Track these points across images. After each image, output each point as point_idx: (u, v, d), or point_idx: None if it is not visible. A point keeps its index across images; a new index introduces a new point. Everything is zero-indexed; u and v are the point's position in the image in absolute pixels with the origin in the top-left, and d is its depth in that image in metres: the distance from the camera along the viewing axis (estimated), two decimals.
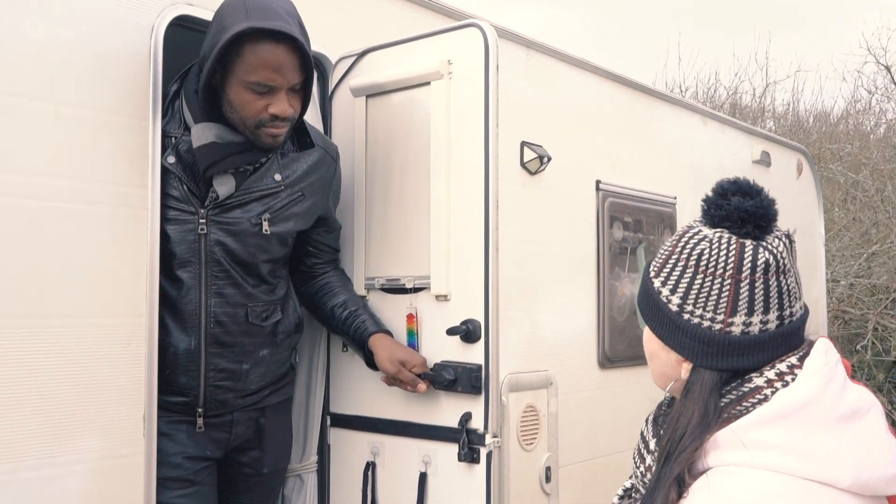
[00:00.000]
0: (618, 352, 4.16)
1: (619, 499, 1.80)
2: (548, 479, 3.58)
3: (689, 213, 4.72)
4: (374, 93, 3.00)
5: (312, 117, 2.98)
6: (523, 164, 3.57)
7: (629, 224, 4.27)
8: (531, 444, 3.52)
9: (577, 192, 3.98)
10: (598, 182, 4.08)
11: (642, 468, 1.66)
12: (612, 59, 4.02)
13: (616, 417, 4.18)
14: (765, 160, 5.57)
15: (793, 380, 1.44)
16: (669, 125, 4.70)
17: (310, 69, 2.61)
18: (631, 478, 1.75)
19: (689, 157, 4.84)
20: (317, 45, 2.83)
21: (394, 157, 2.97)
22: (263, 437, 2.90)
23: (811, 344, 1.50)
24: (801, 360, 1.47)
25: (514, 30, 3.51)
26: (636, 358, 4.30)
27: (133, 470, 2.51)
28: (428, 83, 2.84)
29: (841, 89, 15.47)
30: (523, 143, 3.56)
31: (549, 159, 3.63)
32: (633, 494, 1.74)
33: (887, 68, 9.76)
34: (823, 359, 1.45)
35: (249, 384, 2.80)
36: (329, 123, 3.13)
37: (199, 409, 2.73)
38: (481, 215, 2.71)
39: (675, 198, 4.61)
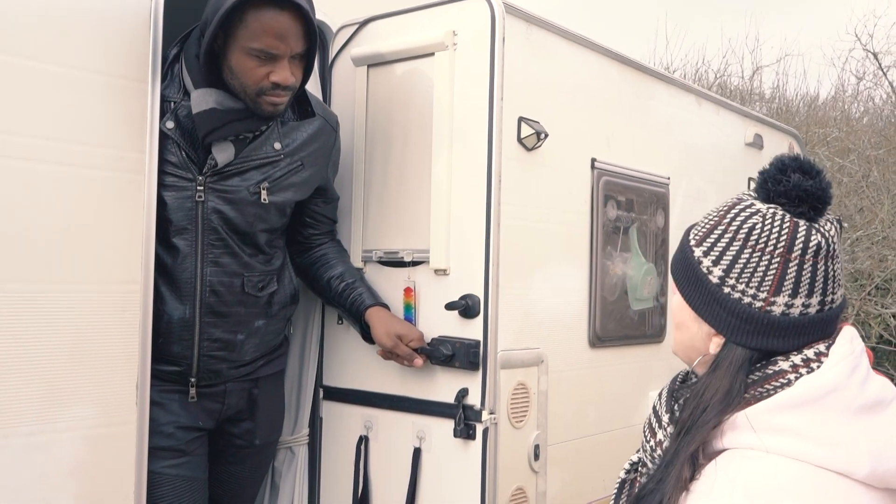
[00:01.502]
0: (608, 331, 4.15)
1: (626, 472, 1.77)
2: (536, 456, 3.57)
3: (682, 193, 4.70)
4: (375, 62, 2.96)
5: (312, 86, 2.93)
6: (520, 140, 3.54)
7: (623, 203, 4.24)
8: (521, 421, 3.50)
9: (573, 169, 3.95)
10: (593, 160, 4.05)
11: (653, 443, 1.63)
12: (602, 37, 3.95)
13: (605, 397, 4.18)
14: (757, 143, 5.56)
15: (818, 367, 1.42)
16: (665, 105, 4.67)
17: (313, 37, 2.56)
18: (639, 451, 1.73)
19: (682, 138, 4.82)
20: (318, 13, 2.79)
21: (394, 128, 2.93)
22: (256, 408, 2.87)
23: (838, 331, 1.48)
24: (828, 348, 1.45)
25: (515, 3, 3.47)
26: (627, 338, 4.29)
27: (125, 438, 2.47)
28: (432, 54, 2.81)
29: (829, 74, 15.50)
30: (521, 119, 3.52)
31: (546, 136, 3.60)
32: (641, 469, 1.72)
33: (874, 54, 9.78)
34: (849, 347, 1.44)
35: (243, 355, 2.77)
36: (329, 92, 3.09)
37: (193, 379, 2.70)
38: (483, 190, 2.69)
39: (669, 178, 4.59)
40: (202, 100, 2.55)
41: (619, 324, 4.25)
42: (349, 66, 3.01)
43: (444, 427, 2.75)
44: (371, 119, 2.98)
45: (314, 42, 2.58)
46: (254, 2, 2.43)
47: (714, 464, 1.41)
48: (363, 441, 2.97)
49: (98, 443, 2.42)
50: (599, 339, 4.08)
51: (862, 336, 8.18)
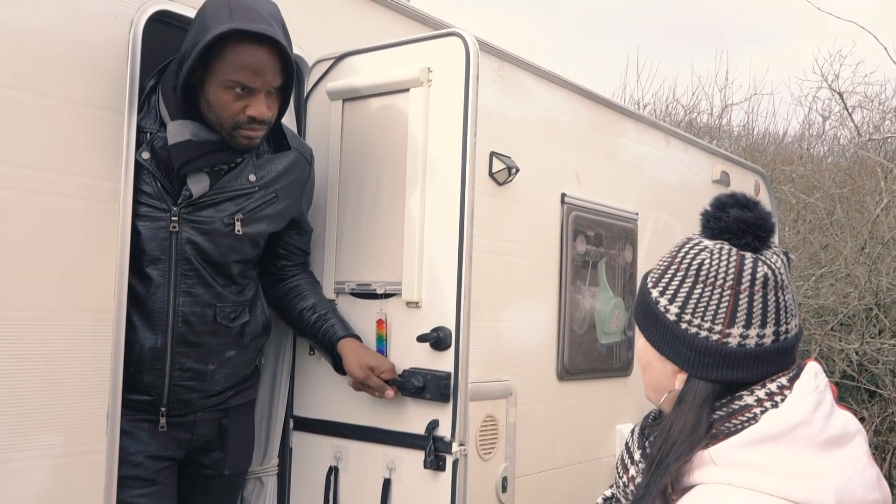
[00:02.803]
0: (577, 364, 4.20)
1: None
2: (504, 488, 3.61)
3: (650, 229, 4.78)
4: (350, 97, 2.99)
5: (287, 118, 2.96)
6: (492, 175, 3.60)
7: (592, 238, 4.30)
8: (489, 453, 3.54)
9: (543, 204, 4.01)
10: (563, 195, 4.12)
11: (625, 478, 1.67)
12: (574, 73, 4.04)
13: (573, 429, 4.22)
14: (724, 180, 5.65)
15: (782, 400, 1.46)
16: (634, 142, 4.75)
17: (290, 72, 2.60)
18: (611, 487, 1.76)
19: (651, 174, 4.90)
20: (295, 47, 2.82)
21: (368, 161, 2.96)
22: (226, 438, 2.88)
23: (801, 366, 1.53)
24: (791, 381, 1.49)
25: (488, 40, 3.53)
26: (594, 371, 4.34)
27: (94, 467, 2.48)
28: (407, 90, 2.85)
29: (796, 113, 15.77)
30: (492, 154, 3.59)
31: (518, 170, 3.67)
32: (613, 503, 1.75)
33: (840, 94, 9.96)
34: (813, 382, 1.48)
35: (214, 385, 2.78)
36: (304, 125, 3.12)
37: (163, 409, 2.71)
38: (456, 224, 2.71)
39: (637, 213, 4.67)
40: (178, 131, 2.58)
41: (588, 357, 4.29)
42: (324, 100, 3.05)
43: (414, 458, 2.76)
44: (345, 152, 3.01)
45: (291, 76, 2.61)
46: (233, 37, 2.46)
47: (684, 499, 1.45)
48: (333, 471, 2.98)
49: (67, 471, 2.42)
50: (568, 372, 4.13)
51: (826, 371, 8.30)
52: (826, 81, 9.70)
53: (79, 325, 2.45)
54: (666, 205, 4.94)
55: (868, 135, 10.05)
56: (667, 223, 4.93)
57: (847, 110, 9.88)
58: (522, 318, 3.88)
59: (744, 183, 6.04)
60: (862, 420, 8.37)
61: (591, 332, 4.32)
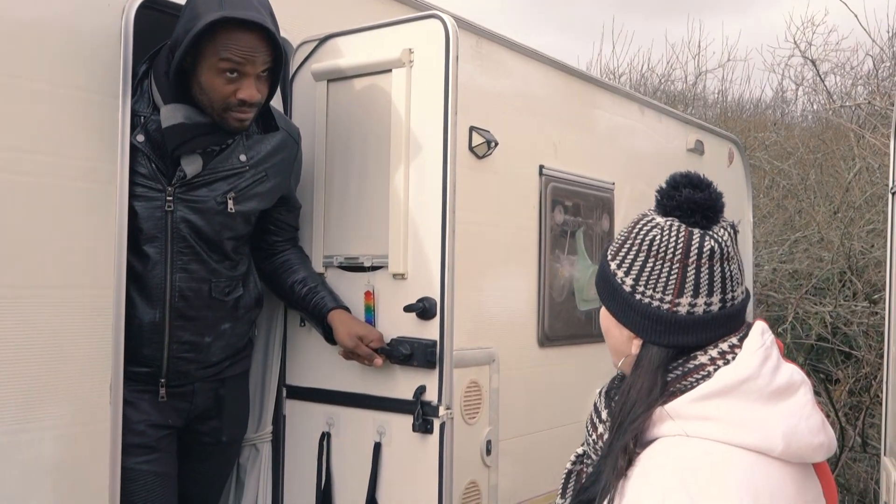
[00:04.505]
0: (556, 331, 4.34)
1: (572, 464, 1.94)
2: (488, 451, 3.75)
3: (626, 198, 4.91)
4: (335, 77, 3.10)
5: (274, 100, 3.06)
6: (471, 149, 3.72)
7: (570, 208, 4.43)
8: (473, 418, 3.68)
9: (522, 176, 4.13)
10: (541, 167, 4.24)
11: (594, 436, 1.80)
12: (549, 43, 4.12)
13: (554, 394, 4.36)
14: (698, 149, 5.78)
15: (733, 358, 1.60)
16: (609, 113, 4.87)
17: (279, 56, 2.71)
18: (583, 445, 1.90)
19: (627, 144, 5.02)
20: (280, 30, 2.92)
21: (353, 139, 3.07)
22: (223, 406, 3.01)
23: (749, 326, 1.67)
24: (741, 340, 1.63)
25: (465, 17, 3.64)
26: (574, 337, 4.48)
27: (100, 436, 2.60)
28: (389, 70, 2.95)
29: (769, 78, 15.90)
30: (472, 129, 3.70)
31: (496, 144, 3.79)
32: (585, 460, 1.88)
33: (812, 62, 10.07)
34: (760, 339, 1.62)
35: (211, 356, 2.91)
36: (290, 105, 3.22)
37: (162, 380, 2.83)
38: (439, 198, 2.83)
39: (614, 183, 4.79)
40: (171, 115, 2.69)
41: (567, 324, 4.43)
42: (309, 81, 3.15)
43: (403, 422, 2.90)
44: (331, 131, 3.12)
45: (279, 60, 2.72)
46: (223, 24, 2.57)
47: (646, 452, 1.59)
48: (325, 437, 3.11)
49: (74, 441, 2.54)
50: (548, 339, 4.27)
51: (799, 334, 8.39)
52: (799, 49, 9.83)
53: (81, 302, 2.56)
54: (642, 174, 5.06)
55: (840, 101, 10.18)
56: (642, 192, 5.05)
57: (820, 77, 10.01)
58: (504, 287, 4.01)
59: (718, 151, 6.17)
60: (837, 381, 8.56)
61: (570, 299, 4.45)
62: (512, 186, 4.05)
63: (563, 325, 4.39)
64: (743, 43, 23.92)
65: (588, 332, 4.56)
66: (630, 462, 1.58)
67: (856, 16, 8.00)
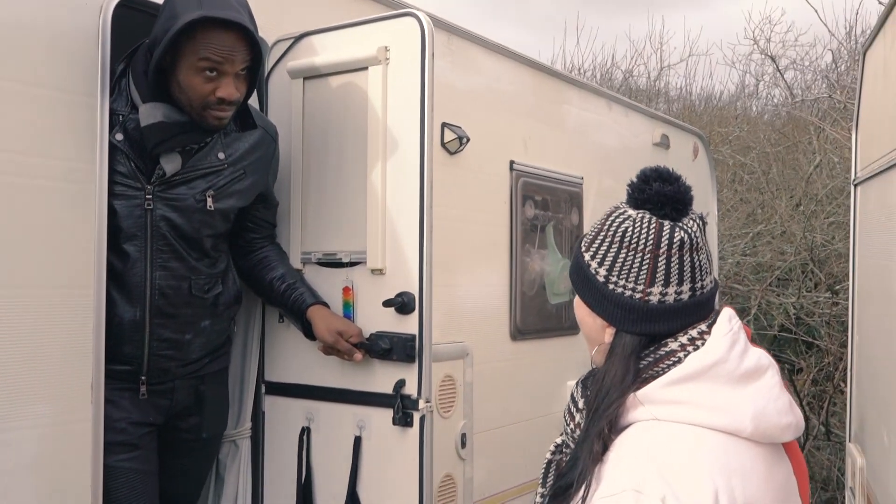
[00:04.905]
0: (528, 325, 4.39)
1: (552, 454, 1.98)
2: (463, 444, 3.79)
3: (594, 192, 4.97)
4: (311, 75, 3.12)
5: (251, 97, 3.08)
6: (443, 145, 3.76)
7: (540, 203, 4.48)
8: (448, 412, 3.72)
9: (493, 171, 4.18)
10: (511, 162, 4.29)
11: (572, 425, 1.85)
12: (506, 38, 4.17)
13: (526, 386, 4.41)
14: (664, 143, 5.86)
15: (703, 344, 1.66)
16: (577, 108, 4.93)
17: (257, 55, 2.73)
18: (561, 435, 1.94)
19: (594, 139, 5.08)
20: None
21: (330, 136, 3.10)
22: (203, 403, 3.02)
23: (718, 313, 1.72)
24: (710, 327, 1.69)
25: (436, 14, 3.67)
26: (545, 330, 4.54)
27: (81, 435, 2.60)
28: (365, 68, 2.98)
29: (730, 74, 16.10)
30: (444, 125, 3.74)
31: (468, 140, 3.83)
32: (564, 450, 1.93)
33: (772, 58, 10.21)
34: (728, 325, 1.67)
35: (191, 353, 2.93)
36: (265, 103, 3.24)
37: (143, 377, 2.84)
38: (416, 194, 2.87)
39: (582, 178, 4.85)
40: (150, 113, 2.70)
41: (538, 317, 4.49)
42: (285, 78, 3.17)
43: (382, 416, 2.93)
44: (307, 128, 3.14)
45: (258, 59, 2.74)
46: (202, 23, 2.59)
47: (621, 437, 1.64)
48: (305, 432, 3.14)
49: (57, 439, 2.54)
50: (520, 332, 4.32)
51: (763, 324, 8.49)
52: (758, 45, 9.95)
53: (61, 301, 2.56)
54: (609, 169, 5.12)
55: (801, 95, 10.33)
56: (610, 186, 5.12)
57: (780, 72, 10.15)
58: (476, 281, 4.06)
59: (683, 145, 6.25)
60: (800, 371, 8.70)
61: (541, 293, 4.51)
62: (483, 182, 4.09)
63: (534, 319, 4.44)
64: (705, 37, 24.12)
65: (559, 326, 4.62)
66: (605, 447, 1.62)
67: (816, 11, 8.14)
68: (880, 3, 7.73)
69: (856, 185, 4.62)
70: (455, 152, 3.83)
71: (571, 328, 4.70)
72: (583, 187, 4.85)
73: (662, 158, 5.78)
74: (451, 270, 3.84)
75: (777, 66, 10.07)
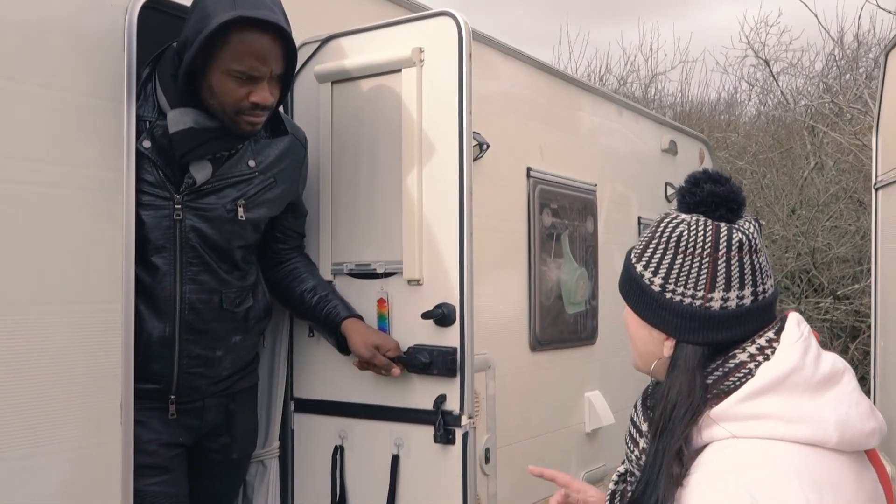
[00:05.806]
0: (547, 335, 4.29)
1: (615, 484, 1.88)
2: (487, 460, 3.68)
3: (607, 199, 4.89)
4: (340, 79, 3.01)
5: None
6: None
7: (556, 210, 4.39)
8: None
9: (511, 178, 4.09)
10: (528, 169, 4.20)
11: (637, 452, 1.75)
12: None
13: (547, 398, 4.31)
14: (672, 149, 5.79)
15: (772, 353, 1.57)
16: (590, 114, 4.85)
17: (292, 58, 2.61)
18: (624, 463, 1.84)
19: (606, 145, 5.00)
20: None
21: (362, 142, 2.99)
22: (233, 422, 2.90)
23: (783, 318, 1.63)
24: (778, 333, 1.60)
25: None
26: (564, 341, 4.44)
27: (111, 458, 2.48)
28: (399, 70, 2.87)
29: (723, 80, 16.12)
30: None
31: (488, 146, 3.73)
32: (629, 478, 1.83)
33: (766, 62, 10.18)
34: (798, 331, 1.59)
35: (222, 370, 2.80)
36: (291, 108, 3.13)
37: (172, 396, 2.71)
38: (455, 201, 2.77)
39: (596, 185, 4.76)
40: (179, 119, 2.57)
41: (557, 327, 4.39)
42: (312, 82, 3.06)
43: (422, 433, 2.81)
44: (337, 134, 3.03)
45: (292, 62, 2.62)
46: (236, 24, 2.46)
47: (699, 459, 1.54)
48: (338, 451, 3.01)
49: (86, 463, 2.41)
50: (540, 343, 4.22)
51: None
52: (753, 50, 9.93)
53: (88, 318, 2.43)
54: (621, 175, 5.05)
55: (794, 100, 10.31)
56: (622, 193, 5.05)
57: (774, 77, 10.12)
58: (496, 291, 3.95)
59: (690, 151, 6.19)
60: None
61: (558, 302, 4.41)
62: (502, 189, 4.00)
63: (553, 329, 4.35)
64: (699, 44, 24.18)
65: (577, 336, 4.53)
66: (684, 468, 1.54)
67: (815, 15, 8.11)
68: (879, 7, 7.71)
69: (877, 189, 4.55)
70: (476, 159, 3.73)
71: (588, 338, 4.62)
72: (596, 194, 4.76)
73: (671, 164, 5.73)
74: (474, 280, 3.73)
75: (771, 71, 10.04)
